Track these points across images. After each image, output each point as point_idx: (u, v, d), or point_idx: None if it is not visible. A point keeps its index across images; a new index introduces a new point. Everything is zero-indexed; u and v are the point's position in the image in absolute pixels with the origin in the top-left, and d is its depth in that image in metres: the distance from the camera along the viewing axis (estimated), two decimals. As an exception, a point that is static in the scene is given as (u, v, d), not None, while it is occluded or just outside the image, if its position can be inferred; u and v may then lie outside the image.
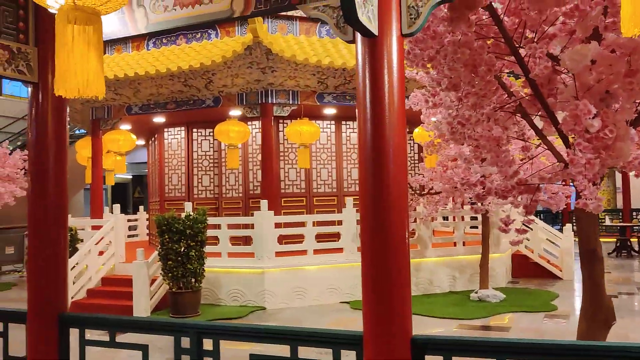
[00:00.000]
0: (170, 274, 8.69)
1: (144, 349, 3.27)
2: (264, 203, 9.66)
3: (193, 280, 8.78)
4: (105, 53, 11.85)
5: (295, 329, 2.90)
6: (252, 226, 9.88)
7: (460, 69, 3.05)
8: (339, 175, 12.30)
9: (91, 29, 2.49)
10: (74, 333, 3.58)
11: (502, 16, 3.47)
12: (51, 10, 2.54)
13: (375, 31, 2.63)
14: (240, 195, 12.25)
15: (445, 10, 3.20)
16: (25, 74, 3.36)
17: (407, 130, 13.74)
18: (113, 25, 3.36)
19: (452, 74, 3.09)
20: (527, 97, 3.91)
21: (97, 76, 2.52)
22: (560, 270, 12.01)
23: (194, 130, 12.70)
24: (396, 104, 2.67)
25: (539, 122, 4.29)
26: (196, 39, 10.89)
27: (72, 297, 9.57)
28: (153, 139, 14.04)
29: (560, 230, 13.78)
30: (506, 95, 3.87)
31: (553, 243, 12.27)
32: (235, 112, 11.19)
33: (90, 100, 11.57)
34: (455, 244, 10.93)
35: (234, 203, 12.14)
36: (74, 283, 9.68)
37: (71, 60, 2.45)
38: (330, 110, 11.44)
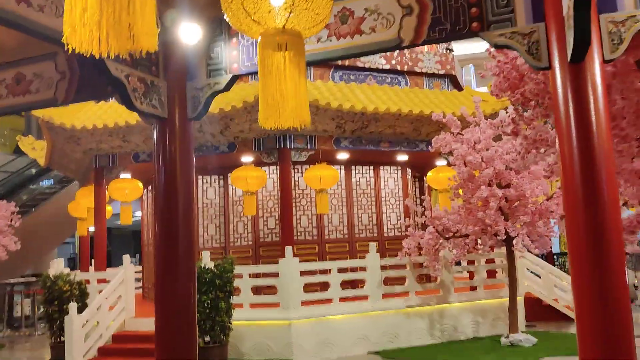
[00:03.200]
0: (197, 328, 8.18)
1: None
2: (288, 249, 9.34)
3: (221, 333, 8.31)
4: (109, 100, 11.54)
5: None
6: (265, 275, 9.59)
7: (634, 98, 2.97)
8: (350, 220, 12.09)
9: (298, 53, 2.30)
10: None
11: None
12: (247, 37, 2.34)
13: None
14: (250, 243, 11.87)
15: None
16: (158, 109, 3.11)
17: (415, 174, 13.74)
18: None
19: (624, 103, 3.00)
20: None
21: (306, 103, 2.31)
22: (575, 312, 11.94)
23: (199, 177, 12.35)
24: (604, 128, 2.54)
25: None
26: (210, 84, 10.70)
27: (83, 356, 8.92)
28: (151, 187, 13.59)
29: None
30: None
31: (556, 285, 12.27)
32: (248, 158, 10.94)
33: (93, 148, 11.16)
34: (476, 288, 10.77)
35: (243, 252, 11.73)
36: (85, 341, 9.03)
37: (283, 88, 2.23)
38: (344, 155, 11.32)
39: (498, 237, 8.96)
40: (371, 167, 12.39)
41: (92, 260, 13.59)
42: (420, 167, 13.42)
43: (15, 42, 3.73)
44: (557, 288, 12.26)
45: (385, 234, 12.31)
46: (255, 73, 3.23)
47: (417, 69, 11.86)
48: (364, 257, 11.36)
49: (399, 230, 12.49)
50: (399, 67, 11.70)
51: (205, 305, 8.19)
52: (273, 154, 10.34)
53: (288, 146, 10.22)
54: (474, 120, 9.27)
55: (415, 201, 13.39)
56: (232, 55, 3.17)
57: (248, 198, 10.36)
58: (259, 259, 11.60)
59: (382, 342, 9.54)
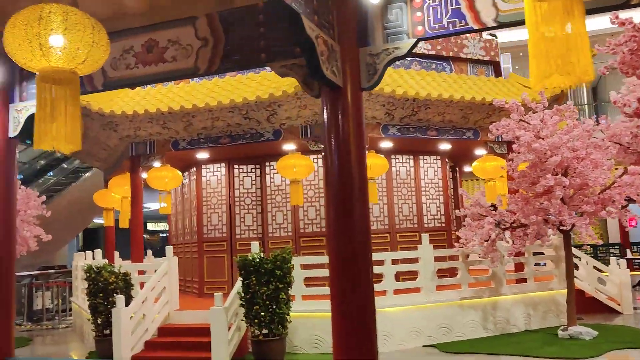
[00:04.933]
0: (256, 320, 7.89)
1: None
2: (343, 240, 9.01)
3: (280, 326, 8.01)
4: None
5: None
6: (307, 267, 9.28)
7: None
8: (391, 211, 11.79)
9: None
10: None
11: None
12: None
13: None
14: (290, 234, 11.56)
15: None
16: (336, 76, 2.78)
17: (452, 164, 13.47)
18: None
19: None
20: None
21: (590, 56, 1.97)
22: (619, 305, 11.74)
23: (235, 166, 12.02)
24: None
25: None
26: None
27: (131, 350, 8.60)
28: (184, 176, 13.23)
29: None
30: None
31: (601, 278, 12.06)
32: (291, 145, 10.60)
33: (131, 135, 10.77)
34: (525, 280, 10.52)
35: (282, 243, 11.39)
36: (132, 334, 8.70)
37: (570, 40, 1.91)
38: (388, 144, 11.00)
39: (563, 227, 8.70)
40: (411, 157, 12.10)
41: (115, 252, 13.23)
42: (457, 156, 13.15)
43: (144, 6, 3.39)
44: (601, 280, 12.06)
45: (426, 225, 12.03)
46: (443, 36, 2.91)
47: (462, 55, 11.57)
48: (405, 248, 11.14)
49: (439, 221, 12.23)
50: (444, 53, 11.40)
51: (265, 297, 7.87)
52: (321, 141, 9.99)
53: (337, 133, 9.87)
54: (535, 107, 8.97)
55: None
56: (415, 17, 2.84)
57: (295, 187, 10.04)
58: (299, 250, 11.29)
59: (436, 335, 9.27)
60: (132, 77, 3.40)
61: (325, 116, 2.86)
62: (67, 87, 2.65)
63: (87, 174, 19.98)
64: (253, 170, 12.01)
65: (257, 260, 7.97)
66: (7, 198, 3.68)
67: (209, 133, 10.44)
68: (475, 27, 2.73)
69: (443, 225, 12.21)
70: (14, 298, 3.84)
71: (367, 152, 9.93)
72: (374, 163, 9.82)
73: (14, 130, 3.67)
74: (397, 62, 10.79)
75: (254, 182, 11.99)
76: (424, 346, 9.12)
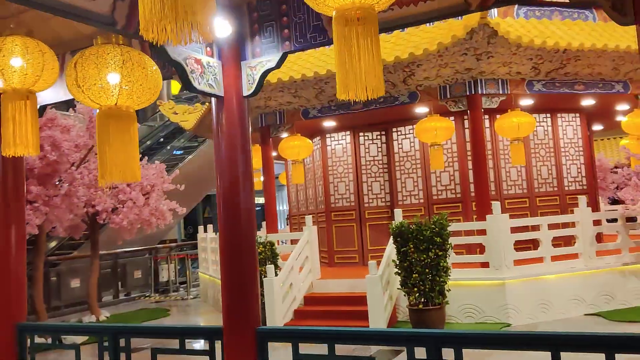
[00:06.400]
0: (415, 288, 7.62)
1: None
2: (496, 205, 8.54)
3: (440, 295, 7.69)
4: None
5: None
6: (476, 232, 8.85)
7: None
8: (529, 174, 11.10)
9: None
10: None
11: None
12: None
13: None
14: (421, 201, 11.18)
15: None
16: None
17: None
18: None
19: None
20: None
21: None
22: None
23: (360, 134, 11.72)
24: None
25: None
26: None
27: (282, 318, 8.61)
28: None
29: None
30: None
31: None
32: (423, 109, 10.16)
33: (260, 106, 10.69)
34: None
35: (414, 210, 11.00)
36: (282, 302, 8.69)
37: None
38: (528, 101, 10.30)
39: None
40: (548, 115, 11.31)
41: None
42: (594, 114, 12.18)
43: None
44: None
45: (567, 188, 11.27)
46: None
47: (607, 2, 10.57)
48: (545, 213, 10.50)
49: (580, 183, 11.42)
50: (587, 0, 10.45)
51: (423, 264, 7.57)
52: (461, 102, 9.48)
53: (479, 92, 9.33)
54: None
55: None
56: None
57: (435, 151, 9.61)
58: (431, 217, 10.88)
59: (597, 303, 8.67)
60: (388, 20, 3.09)
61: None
62: (366, 25, 2.36)
63: (201, 147, 20.31)
64: (379, 137, 11.67)
65: (415, 226, 7.66)
66: (244, 163, 3.49)
67: (339, 100, 10.14)
68: None
69: (585, 188, 11.40)
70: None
71: (512, 110, 9.38)
72: (522, 121, 9.20)
73: (247, 90, 3.48)
74: (538, 12, 10.08)
75: (379, 149, 11.65)
76: (585, 315, 8.55)
